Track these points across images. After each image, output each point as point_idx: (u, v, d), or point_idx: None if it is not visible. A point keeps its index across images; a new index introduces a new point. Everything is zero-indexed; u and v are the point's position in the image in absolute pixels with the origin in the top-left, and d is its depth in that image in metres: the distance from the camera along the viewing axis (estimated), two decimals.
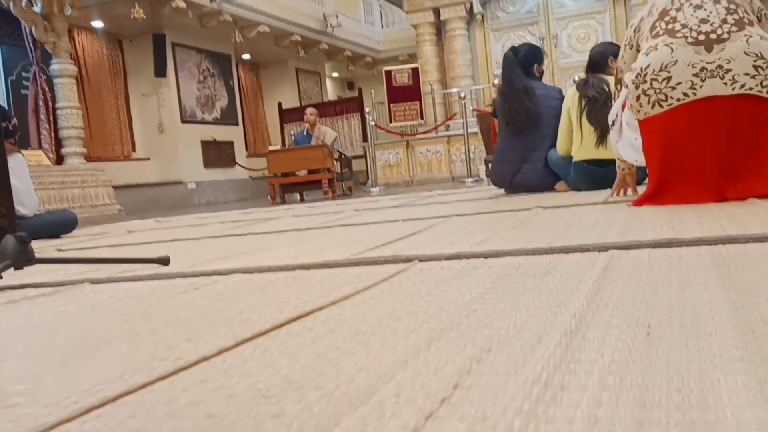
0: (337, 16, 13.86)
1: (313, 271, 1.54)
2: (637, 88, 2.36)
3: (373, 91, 12.63)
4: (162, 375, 0.75)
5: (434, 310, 0.98)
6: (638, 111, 2.38)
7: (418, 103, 11.66)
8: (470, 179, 9.18)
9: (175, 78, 11.53)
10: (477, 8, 11.93)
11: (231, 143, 12.83)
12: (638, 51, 2.60)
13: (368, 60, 16.27)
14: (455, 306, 1.00)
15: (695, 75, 2.25)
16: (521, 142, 4.15)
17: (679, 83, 2.27)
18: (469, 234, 2.05)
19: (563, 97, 4.17)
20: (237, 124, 13.18)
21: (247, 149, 13.93)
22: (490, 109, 9.32)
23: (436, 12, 12.23)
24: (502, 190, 4.50)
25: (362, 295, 1.17)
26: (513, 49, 4.37)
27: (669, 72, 2.29)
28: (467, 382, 0.61)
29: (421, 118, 11.70)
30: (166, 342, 0.94)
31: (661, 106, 2.30)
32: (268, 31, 12.13)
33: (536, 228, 2.05)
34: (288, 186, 8.45)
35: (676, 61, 2.28)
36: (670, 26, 2.40)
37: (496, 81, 8.71)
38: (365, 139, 11.71)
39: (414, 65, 12.09)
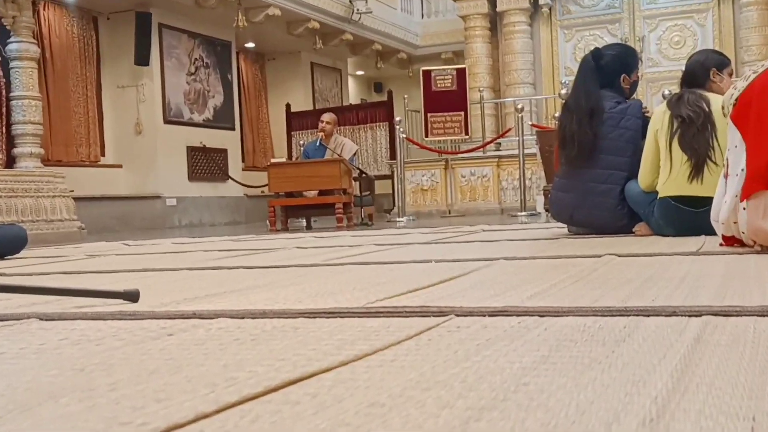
0: (366, 1, 14.04)
1: (320, 321, 1.53)
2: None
3: (406, 96, 12.71)
4: None
5: (473, 381, 0.97)
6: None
7: (462, 113, 11.71)
8: (524, 213, 9.17)
9: (160, 67, 11.73)
10: None
11: (224, 152, 12.97)
12: None
13: (402, 57, 16.44)
14: (500, 377, 0.98)
15: None
16: (585, 172, 4.13)
17: None
18: (521, 284, 2.03)
19: (644, 114, 4.16)
20: (233, 129, 13.34)
21: (244, 160, 14.08)
22: (554, 127, 9.38)
23: (492, 1, 12.34)
24: (565, 228, 4.48)
25: (381, 356, 1.16)
26: (596, 51, 4.33)
27: None
28: None
29: (466, 132, 11.75)
30: (130, 401, 0.93)
31: None
32: (279, 14, 12.33)
33: (607, 281, 2.03)
34: (292, 209, 8.50)
35: None
36: None
37: (564, 91, 8.73)
38: (393, 156, 11.77)
39: (460, 66, 12.18)
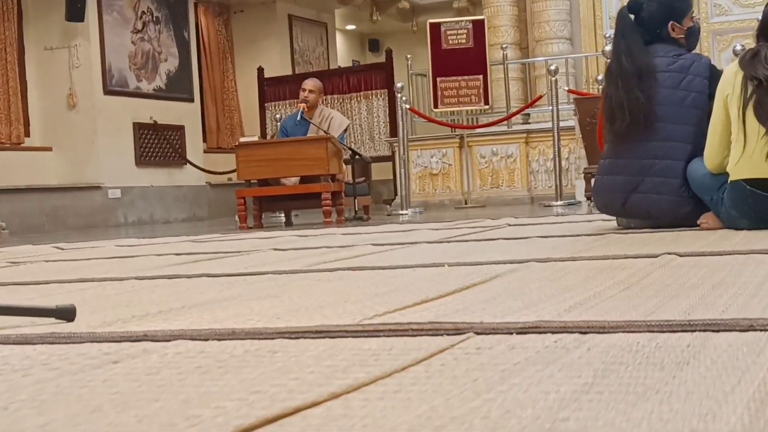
0: None
1: (304, 342, 1.53)
2: None
3: (409, 56, 12.69)
4: None
5: (498, 417, 0.97)
6: None
7: (480, 77, 11.70)
8: (560, 202, 9.17)
9: (99, 25, 11.74)
10: None
11: (181, 129, 12.98)
12: None
13: (404, 6, 16.43)
14: (532, 412, 0.99)
15: None
16: (639, 146, 4.15)
17: None
18: (557, 293, 2.04)
19: (712, 74, 4.16)
20: (192, 100, 13.35)
21: (206, 140, 14.09)
22: (596, 93, 9.38)
23: None
24: (612, 221, 4.49)
25: (382, 386, 1.16)
26: (632, 2, 4.38)
27: None
28: None
29: (486, 101, 11.74)
30: None
31: None
32: None
33: (666, 288, 2.03)
34: (268, 201, 8.50)
35: None
36: None
37: (609, 47, 8.72)
38: (394, 133, 11.76)
39: (477, 18, 12.17)
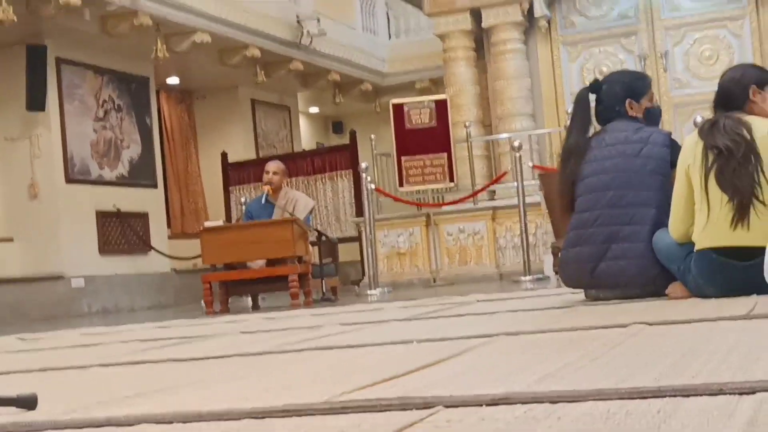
0: (318, 20, 14.23)
1: (272, 421, 1.52)
2: None
3: (373, 137, 12.78)
4: None
5: None
6: None
7: (445, 155, 11.79)
8: (529, 277, 9.19)
9: (60, 113, 11.74)
10: (540, 10, 12.23)
11: (144, 216, 12.94)
12: None
13: (367, 88, 16.60)
14: None
15: None
16: (603, 214, 4.25)
17: None
18: (527, 365, 2.03)
19: (672, 145, 4.25)
20: (155, 186, 13.32)
21: (170, 226, 14.04)
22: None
23: (475, 14, 12.54)
24: (581, 294, 4.50)
25: None
26: (593, 82, 4.70)
27: None
28: None
29: (451, 179, 11.82)
30: None
31: None
32: (208, 41, 12.44)
33: (635, 356, 2.04)
34: (234, 285, 8.46)
35: None
36: None
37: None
38: (360, 213, 11.80)
39: (439, 97, 12.30)
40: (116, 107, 12.73)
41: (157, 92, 13.90)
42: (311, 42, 14.23)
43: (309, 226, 8.55)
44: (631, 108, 4.48)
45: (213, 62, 13.52)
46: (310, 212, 8.85)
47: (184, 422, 1.59)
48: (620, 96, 4.50)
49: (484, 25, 12.46)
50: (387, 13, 17.15)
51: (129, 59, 12.68)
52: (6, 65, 11.52)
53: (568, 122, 4.85)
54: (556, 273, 8.31)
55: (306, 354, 2.81)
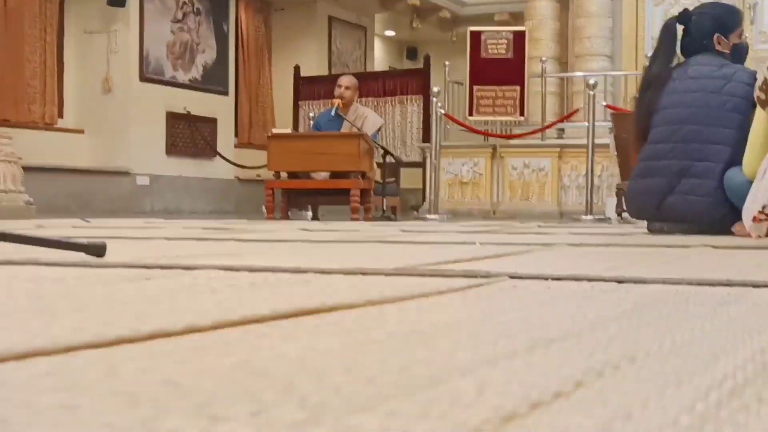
0: None
1: (337, 276, 1.54)
2: None
3: (448, 64, 12.69)
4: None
5: (538, 323, 0.97)
6: None
7: (518, 88, 11.67)
8: (590, 217, 9.13)
9: (139, 11, 11.81)
10: None
11: (213, 122, 13.04)
12: None
13: (445, 16, 16.44)
14: (572, 324, 0.98)
15: None
16: (678, 147, 4.19)
17: None
18: (591, 263, 2.03)
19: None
20: (226, 93, 13.40)
21: (237, 135, 14.14)
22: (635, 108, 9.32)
23: None
24: (643, 229, 4.48)
25: (417, 303, 1.17)
26: (682, 12, 4.56)
27: None
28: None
29: (521, 113, 11.71)
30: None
31: None
32: None
33: (701, 264, 2.03)
34: (296, 195, 8.51)
35: None
36: None
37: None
38: (427, 139, 11.76)
39: (518, 28, 12.15)
40: (195, 11, 12.77)
41: (237, 1, 13.90)
42: None
43: (376, 144, 8.54)
44: (719, 43, 4.39)
45: None
46: (378, 130, 8.84)
47: (252, 272, 1.61)
48: (709, 29, 4.40)
49: None
50: None
51: None
52: None
53: (652, 52, 4.73)
54: (619, 215, 8.29)
55: (370, 245, 2.83)
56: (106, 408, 0.53)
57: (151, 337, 0.81)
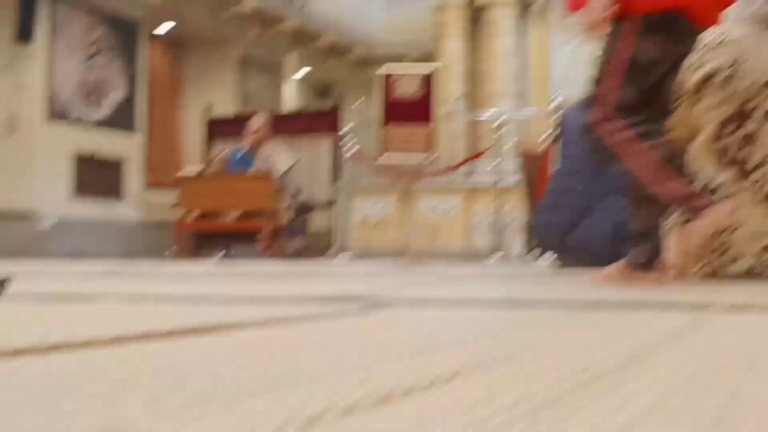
0: None
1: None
2: None
3: (359, 102, 12.81)
4: None
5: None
6: None
7: (429, 127, 11.80)
8: (497, 255, 9.23)
9: (48, 47, 11.67)
10: None
11: (122, 162, 12.89)
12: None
13: (358, 55, 16.58)
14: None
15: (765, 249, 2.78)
16: (594, 180, 4.24)
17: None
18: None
19: None
20: (135, 132, 13.27)
21: (149, 173, 14.00)
22: (543, 147, 9.45)
23: None
24: (551, 262, 4.54)
25: (282, 324, 1.19)
26: None
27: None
28: None
29: (432, 152, 11.82)
30: None
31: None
32: None
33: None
34: (206, 237, 8.47)
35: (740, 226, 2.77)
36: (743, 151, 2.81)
37: (554, 104, 8.89)
38: (337, 178, 11.80)
39: (429, 68, 12.29)
40: (105, 48, 12.67)
41: (148, 38, 13.84)
42: (306, 3, 14.20)
43: (287, 183, 8.56)
44: None
45: (205, 13, 13.49)
46: (290, 168, 8.86)
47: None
48: None
49: (480, 1, 12.48)
50: None
51: (123, 1, 12.62)
52: None
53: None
54: (528, 252, 8.40)
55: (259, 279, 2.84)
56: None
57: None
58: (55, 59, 11.80)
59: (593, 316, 1.39)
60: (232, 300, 1.70)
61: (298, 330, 1.15)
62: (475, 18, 12.75)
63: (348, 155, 10.26)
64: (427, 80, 11.86)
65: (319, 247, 13.01)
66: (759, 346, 1.12)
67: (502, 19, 12.33)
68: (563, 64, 12.27)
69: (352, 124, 10.80)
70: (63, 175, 11.98)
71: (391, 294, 2.03)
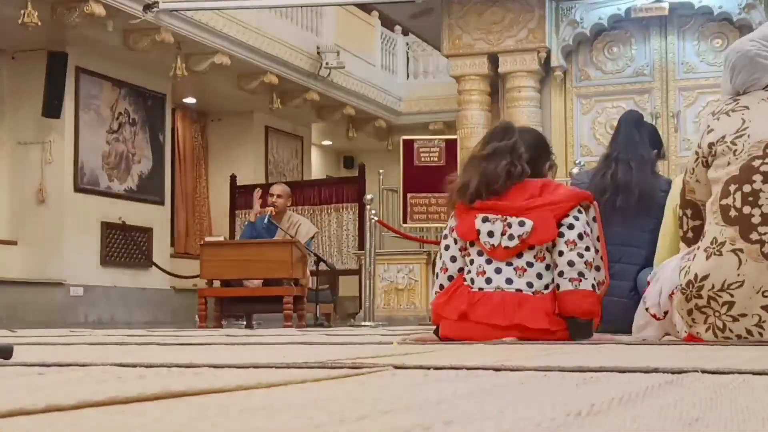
0: (338, 53, 14.40)
1: (229, 370, 1.59)
2: (688, 300, 2.91)
3: (382, 171, 12.93)
4: None
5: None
6: (688, 325, 2.97)
7: None
8: None
9: (74, 121, 11.89)
10: (557, 60, 12.38)
11: (149, 231, 13.04)
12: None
13: (380, 125, 16.76)
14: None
15: (765, 308, 2.76)
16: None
17: (743, 314, 2.78)
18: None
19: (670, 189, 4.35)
20: (162, 203, 13.44)
21: (174, 244, 14.15)
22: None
23: (493, 59, 12.69)
24: None
25: (291, 386, 1.23)
26: (635, 112, 5.13)
27: (731, 295, 2.80)
28: None
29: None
30: None
31: (716, 336, 2.87)
32: (227, 63, 12.60)
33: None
34: (230, 303, 8.52)
35: (743, 282, 2.77)
36: (748, 208, 2.83)
37: (577, 169, 8.96)
38: (362, 246, 11.87)
39: (450, 137, 12.43)
40: (131, 121, 12.89)
41: (173, 110, 14.06)
42: (329, 74, 14.40)
43: (309, 251, 8.62)
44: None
45: (230, 85, 13.67)
46: (312, 238, 8.93)
47: (148, 366, 1.66)
48: (653, 143, 4.90)
49: (500, 70, 12.59)
50: (407, 53, 17.34)
51: (148, 75, 12.86)
52: (26, 69, 11.69)
53: (613, 138, 4.99)
54: None
55: (281, 346, 2.88)
56: None
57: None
58: (81, 132, 12.00)
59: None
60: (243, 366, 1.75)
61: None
62: (496, 86, 12.86)
63: (372, 221, 10.30)
64: (449, 148, 12.00)
65: (346, 313, 13.09)
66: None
67: (522, 87, 12.43)
68: (583, 133, 12.35)
69: (373, 195, 10.86)
70: (91, 245, 12.12)
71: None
